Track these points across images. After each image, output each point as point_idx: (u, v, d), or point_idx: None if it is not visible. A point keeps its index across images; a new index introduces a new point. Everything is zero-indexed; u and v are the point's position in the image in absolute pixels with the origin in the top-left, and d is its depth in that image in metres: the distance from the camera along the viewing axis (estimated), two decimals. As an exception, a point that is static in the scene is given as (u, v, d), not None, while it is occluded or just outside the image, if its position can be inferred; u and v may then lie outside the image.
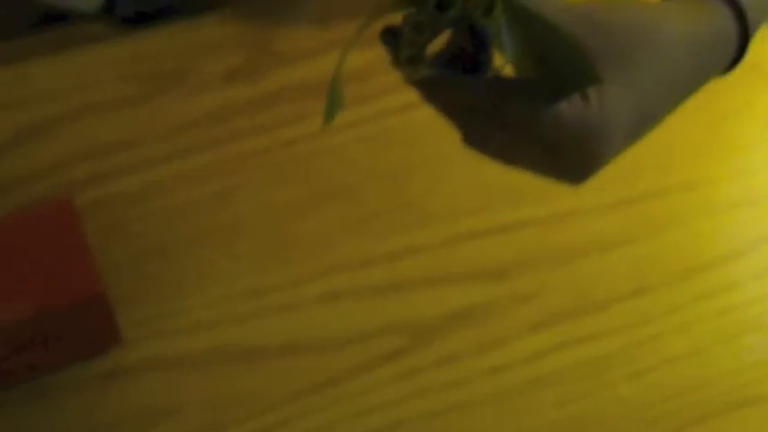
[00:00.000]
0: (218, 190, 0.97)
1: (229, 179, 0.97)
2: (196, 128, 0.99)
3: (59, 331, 0.85)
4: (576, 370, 0.92)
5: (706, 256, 0.97)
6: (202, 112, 0.99)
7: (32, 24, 1.30)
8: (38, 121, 0.98)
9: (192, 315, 0.91)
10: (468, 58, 0.59)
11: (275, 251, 0.95)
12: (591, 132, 0.61)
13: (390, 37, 0.60)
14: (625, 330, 0.94)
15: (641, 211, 0.98)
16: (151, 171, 0.97)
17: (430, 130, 1.00)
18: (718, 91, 1.02)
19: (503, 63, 0.59)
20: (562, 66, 0.60)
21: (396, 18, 0.60)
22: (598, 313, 0.94)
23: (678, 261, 0.97)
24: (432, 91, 0.62)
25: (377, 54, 1.00)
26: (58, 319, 0.83)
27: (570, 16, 0.61)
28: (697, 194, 1.00)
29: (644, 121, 0.64)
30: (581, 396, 0.91)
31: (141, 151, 0.97)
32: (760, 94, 1.04)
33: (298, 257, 0.95)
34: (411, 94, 0.99)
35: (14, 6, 1.34)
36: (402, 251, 0.96)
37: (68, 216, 0.85)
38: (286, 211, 0.96)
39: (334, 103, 0.61)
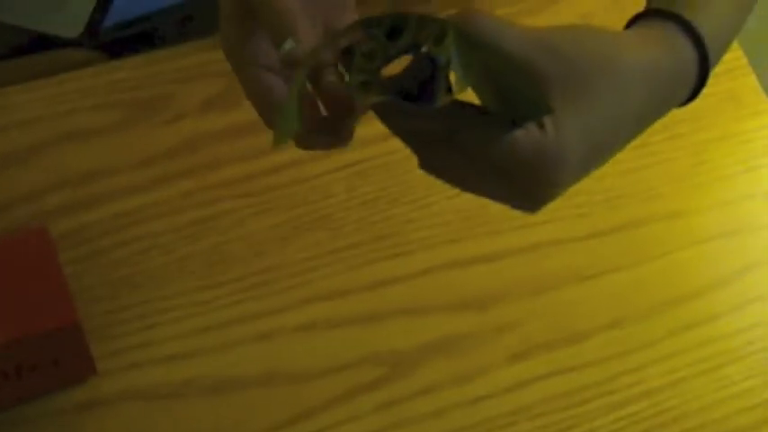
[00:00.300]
0: (196, 219, 0.96)
1: (207, 208, 0.96)
2: (174, 156, 0.98)
3: (33, 361, 0.84)
4: (556, 401, 0.91)
5: (688, 287, 0.97)
6: (181, 140, 0.99)
7: (12, 49, 1.29)
8: (14, 149, 0.97)
9: (168, 346, 0.91)
10: (423, 85, 0.58)
11: (253, 281, 0.94)
12: (546, 161, 0.60)
13: (347, 59, 0.60)
14: (605, 361, 0.93)
15: (622, 241, 0.98)
16: (128, 200, 0.96)
17: (409, 159, 1.00)
18: (700, 120, 1.03)
19: (456, 90, 0.58)
20: (515, 95, 0.59)
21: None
22: (578, 344, 0.94)
23: (659, 291, 0.97)
24: (386, 116, 0.61)
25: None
26: (31, 348, 0.82)
27: (531, 42, 0.61)
28: (678, 224, 0.99)
29: (601, 151, 0.63)
30: (560, 428, 0.90)
31: (118, 180, 0.97)
32: (741, 124, 1.04)
33: (276, 287, 0.94)
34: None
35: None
36: (381, 281, 0.95)
37: (44, 245, 0.84)
38: (264, 240, 0.96)
39: (287, 123, 0.61)
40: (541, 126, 0.60)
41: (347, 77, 0.60)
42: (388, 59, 0.59)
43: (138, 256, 0.94)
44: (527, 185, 0.61)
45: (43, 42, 1.25)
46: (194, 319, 0.92)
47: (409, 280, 0.95)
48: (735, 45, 1.05)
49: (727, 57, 1.05)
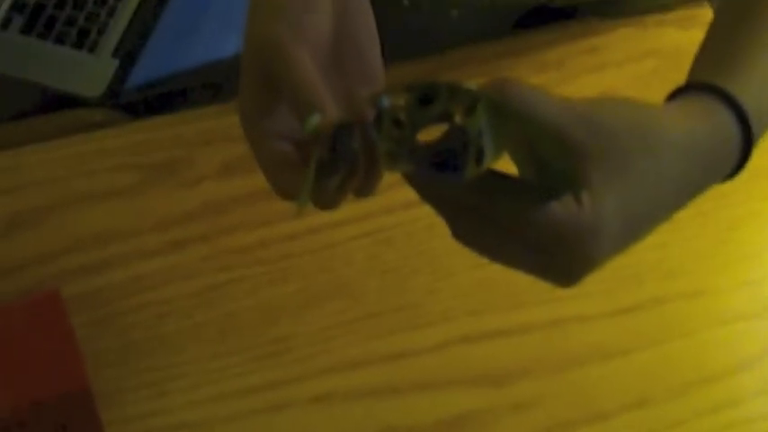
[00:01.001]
0: (211, 285, 0.95)
1: (223, 274, 0.95)
2: (190, 220, 0.97)
3: (42, 425, 0.82)
4: (575, 482, 0.89)
5: (710, 369, 0.95)
6: (198, 205, 0.98)
7: (33, 108, 1.29)
8: (29, 210, 0.97)
9: (180, 414, 0.89)
10: (454, 155, 0.57)
11: (267, 349, 0.93)
12: (582, 235, 0.59)
13: (377, 125, 0.58)
14: (626, 443, 0.91)
15: (644, 320, 0.96)
16: (142, 264, 0.95)
17: (431, 228, 0.98)
18: (727, 197, 1.01)
19: (486, 163, 0.57)
20: (553, 167, 0.58)
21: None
22: (598, 424, 0.92)
23: (681, 373, 0.94)
24: (418, 183, 0.60)
25: (378, 150, 1.00)
26: (40, 412, 0.81)
27: (568, 114, 0.59)
28: (701, 304, 0.97)
29: (638, 227, 0.62)
30: None
31: (133, 243, 0.96)
32: (766, 202, 1.02)
33: (291, 357, 0.92)
34: (412, 191, 0.98)
35: (14, 89, 1.33)
36: (399, 353, 0.93)
37: (56, 308, 0.83)
38: (281, 307, 0.94)
39: (308, 191, 0.60)
40: (578, 199, 0.58)
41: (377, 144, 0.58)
42: (418, 128, 0.57)
43: (152, 321, 0.93)
44: (562, 260, 0.60)
45: (64, 101, 1.24)
46: (207, 387, 0.90)
47: (428, 352, 0.93)
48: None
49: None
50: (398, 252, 0.97)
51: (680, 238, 0.99)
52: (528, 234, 0.59)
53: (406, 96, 0.57)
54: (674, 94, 0.67)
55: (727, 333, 0.96)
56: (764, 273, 0.99)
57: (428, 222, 0.98)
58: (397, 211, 0.99)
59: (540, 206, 0.58)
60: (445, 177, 0.56)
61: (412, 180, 0.60)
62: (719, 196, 1.01)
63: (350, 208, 0.96)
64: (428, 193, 0.60)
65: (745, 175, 1.01)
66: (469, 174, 0.56)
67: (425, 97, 0.57)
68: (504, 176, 0.59)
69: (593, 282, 0.96)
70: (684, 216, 0.99)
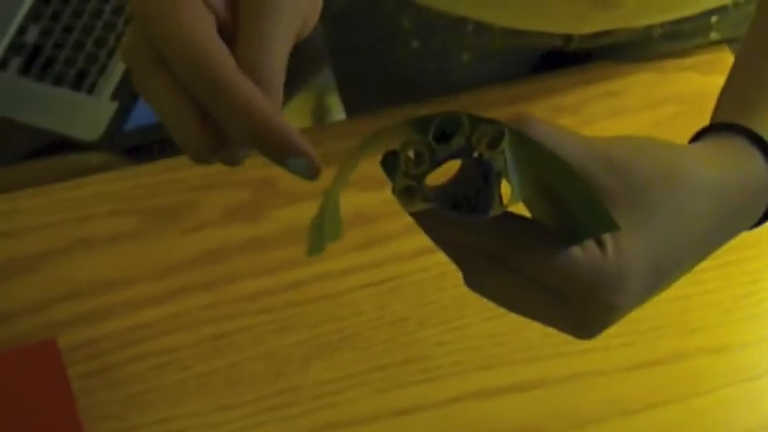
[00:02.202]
0: (214, 334, 0.92)
1: (226, 324, 0.93)
2: (192, 268, 0.95)
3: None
4: None
5: (733, 427, 0.92)
6: (200, 251, 0.95)
7: (32, 152, 1.27)
8: (25, 255, 0.94)
9: (179, 471, 0.86)
10: (475, 193, 0.53)
11: (272, 402, 0.90)
12: (606, 283, 0.55)
13: (391, 161, 0.54)
14: (647, 504, 0.88)
15: (665, 375, 0.93)
16: (142, 313, 0.92)
17: (442, 278, 0.95)
18: (747, 250, 0.98)
19: (510, 201, 0.53)
20: (575, 208, 0.55)
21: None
22: (618, 484, 0.88)
23: (704, 430, 0.91)
24: (431, 226, 0.57)
25: (387, 196, 0.97)
26: (33, 470, 0.78)
27: (588, 152, 0.56)
28: (724, 359, 0.94)
29: (664, 274, 0.58)
30: None
31: (132, 291, 0.93)
32: (791, 255, 0.99)
33: (297, 410, 0.90)
34: (422, 239, 0.96)
35: (12, 132, 1.31)
36: (408, 407, 0.91)
37: (51, 358, 0.82)
38: (287, 358, 0.91)
39: (322, 232, 0.56)
40: (601, 245, 0.55)
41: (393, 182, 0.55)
42: (437, 164, 0.54)
43: (152, 373, 0.90)
44: (583, 309, 0.56)
45: (62, 144, 1.22)
46: (209, 442, 0.88)
47: (438, 408, 0.91)
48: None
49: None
50: (407, 302, 0.95)
51: (701, 291, 0.97)
52: (547, 282, 0.56)
53: (424, 129, 0.53)
54: (698, 136, 0.64)
55: (751, 390, 0.93)
56: (789, 327, 0.96)
57: (438, 272, 0.96)
58: (406, 261, 0.96)
59: (561, 252, 0.55)
60: (466, 217, 0.53)
61: (424, 222, 0.56)
62: (742, 248, 0.99)
63: (358, 256, 0.95)
64: (441, 237, 0.57)
65: (766, 227, 1.00)
66: (494, 212, 0.52)
67: (445, 131, 0.53)
68: (521, 219, 0.56)
69: (612, 335, 0.94)
70: (706, 268, 0.97)
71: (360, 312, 0.94)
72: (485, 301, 0.95)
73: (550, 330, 0.94)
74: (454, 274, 0.96)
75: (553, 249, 0.55)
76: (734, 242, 0.98)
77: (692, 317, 0.96)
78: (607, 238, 0.56)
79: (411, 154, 0.54)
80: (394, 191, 0.55)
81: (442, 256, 0.96)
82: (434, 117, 0.53)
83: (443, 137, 0.53)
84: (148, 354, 0.91)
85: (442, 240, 0.57)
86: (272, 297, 0.94)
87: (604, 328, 0.59)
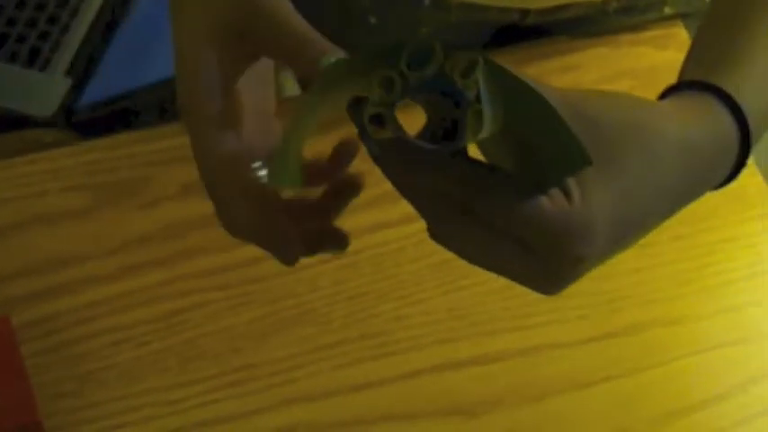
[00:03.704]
0: (170, 311, 0.91)
1: (183, 300, 0.92)
2: (148, 244, 0.94)
3: (-12, 461, 0.79)
4: None
5: (689, 399, 0.92)
6: (155, 227, 0.95)
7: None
8: (-24, 233, 0.93)
9: (137, 448, 0.85)
10: (446, 125, 0.52)
11: (229, 379, 0.89)
12: (572, 233, 0.55)
13: (358, 106, 0.54)
14: (602, 476, 0.88)
15: (621, 348, 0.94)
16: (98, 289, 0.91)
17: (400, 253, 0.95)
18: (704, 221, 0.99)
19: (483, 132, 0.52)
20: (546, 146, 0.54)
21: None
22: (574, 456, 0.89)
23: (659, 403, 0.92)
24: (397, 170, 0.56)
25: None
26: (-13, 448, 0.77)
27: (561, 100, 0.56)
28: (680, 331, 0.95)
29: (630, 227, 0.58)
30: None
31: (88, 267, 0.92)
32: (747, 226, 1.00)
33: (254, 386, 0.89)
34: (381, 214, 0.96)
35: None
36: (367, 382, 0.91)
37: (4, 336, 0.80)
38: (243, 335, 0.91)
39: (285, 166, 0.55)
40: (568, 195, 0.55)
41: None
42: (409, 93, 0.52)
43: (108, 350, 0.89)
44: (549, 260, 0.56)
45: (15, 121, 1.21)
46: (166, 419, 0.87)
47: (397, 382, 0.91)
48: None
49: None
50: (365, 277, 0.94)
51: (656, 264, 0.97)
52: (513, 231, 0.55)
53: (397, 56, 0.52)
54: (666, 93, 0.64)
55: (706, 361, 0.94)
56: (744, 299, 0.97)
57: (396, 247, 0.96)
58: (364, 236, 0.96)
59: (529, 201, 0.54)
60: (438, 146, 0.52)
61: (390, 165, 0.55)
62: (696, 221, 0.99)
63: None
64: (406, 183, 0.56)
65: (721, 199, 1.00)
66: (466, 141, 0.52)
67: (418, 59, 0.52)
68: (489, 166, 0.56)
69: (569, 308, 0.94)
70: (661, 241, 0.98)
71: (317, 288, 0.93)
72: (443, 275, 0.95)
73: (509, 304, 0.94)
74: (413, 248, 0.96)
75: (520, 197, 0.54)
76: (688, 215, 0.98)
77: (647, 289, 0.96)
78: (574, 188, 0.55)
79: (383, 80, 0.52)
80: (360, 135, 0.54)
81: (400, 231, 0.96)
82: (406, 45, 0.52)
83: (417, 65, 0.52)
84: (104, 330, 0.90)
85: (408, 186, 0.56)
86: (229, 273, 0.93)
87: (570, 282, 0.58)
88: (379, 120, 0.52)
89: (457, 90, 0.51)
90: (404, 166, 0.55)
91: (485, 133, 0.52)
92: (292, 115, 0.54)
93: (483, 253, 0.57)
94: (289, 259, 0.63)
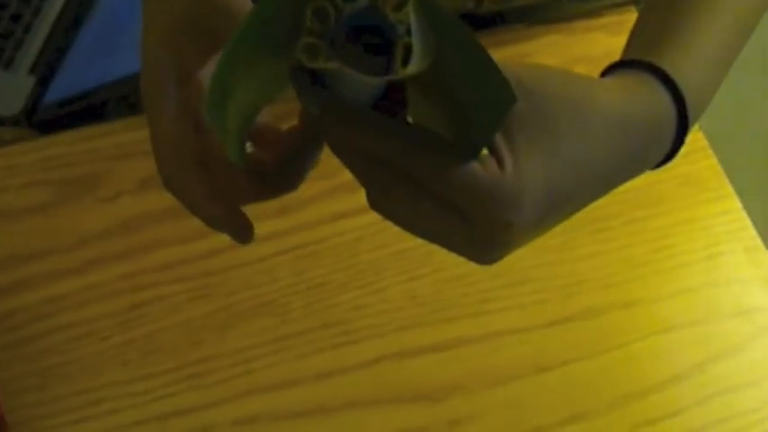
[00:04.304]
0: (130, 304, 0.91)
1: (142, 293, 0.92)
2: (108, 238, 0.94)
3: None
4: (512, 500, 0.86)
5: (646, 380, 0.93)
6: (115, 222, 0.94)
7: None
8: (-65, 229, 0.93)
9: (98, 441, 0.85)
10: (377, 59, 0.53)
11: (190, 371, 0.89)
12: (502, 199, 0.55)
13: (301, 76, 0.55)
14: (563, 458, 0.89)
15: (579, 331, 0.94)
16: (57, 284, 0.91)
17: (359, 242, 0.96)
18: (660, 205, 0.99)
19: (412, 67, 0.52)
20: (475, 85, 0.54)
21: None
22: (535, 439, 0.89)
23: (620, 384, 0.93)
24: (336, 133, 0.56)
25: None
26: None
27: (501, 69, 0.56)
28: (638, 313, 0.96)
29: (563, 199, 0.58)
30: None
31: (48, 262, 0.92)
32: (702, 209, 1.00)
33: (214, 378, 0.89)
34: (338, 204, 0.96)
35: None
36: (328, 371, 0.91)
37: None
38: (203, 327, 0.91)
39: (223, 129, 0.56)
40: (500, 163, 0.56)
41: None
42: (341, 24, 0.53)
43: (69, 344, 0.89)
44: (480, 226, 0.56)
45: (-24, 119, 1.20)
46: (128, 411, 0.87)
47: (358, 370, 0.91)
48: (695, 127, 1.03)
49: (688, 138, 1.02)
50: (324, 267, 0.95)
51: (612, 248, 0.98)
52: (446, 195, 0.55)
53: None
54: (607, 71, 0.64)
55: (663, 343, 0.94)
56: (699, 281, 0.97)
57: (354, 236, 0.96)
58: (322, 225, 0.96)
59: (462, 166, 0.55)
60: (369, 78, 0.53)
61: (329, 126, 0.56)
62: (651, 204, 1.00)
63: (274, 223, 0.95)
64: (344, 148, 0.57)
65: (675, 182, 1.01)
66: (396, 74, 0.52)
67: None
68: (424, 130, 0.56)
69: (526, 293, 0.95)
70: (616, 225, 0.99)
71: (276, 279, 0.93)
72: (402, 263, 0.95)
73: (467, 290, 0.95)
74: (371, 238, 0.96)
75: (454, 162, 0.55)
76: (644, 198, 1.00)
77: (603, 273, 0.97)
78: (507, 156, 0.56)
79: (316, 8, 0.53)
80: (299, 96, 0.55)
81: (358, 221, 0.96)
82: None
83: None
84: (65, 325, 0.90)
85: (346, 151, 0.57)
86: (188, 266, 0.93)
87: (502, 251, 0.58)
88: (313, 49, 0.53)
89: (388, 23, 0.52)
90: (342, 125, 0.55)
91: (414, 67, 0.52)
92: (220, 54, 0.55)
93: (418, 220, 0.57)
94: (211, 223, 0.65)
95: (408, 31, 0.52)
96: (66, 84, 1.31)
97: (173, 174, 0.64)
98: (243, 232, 0.65)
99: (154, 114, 0.64)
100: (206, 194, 0.63)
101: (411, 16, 0.52)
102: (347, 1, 0.52)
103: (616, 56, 0.68)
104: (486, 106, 0.55)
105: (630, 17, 1.06)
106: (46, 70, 1.35)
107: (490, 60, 0.53)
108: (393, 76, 0.52)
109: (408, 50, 0.52)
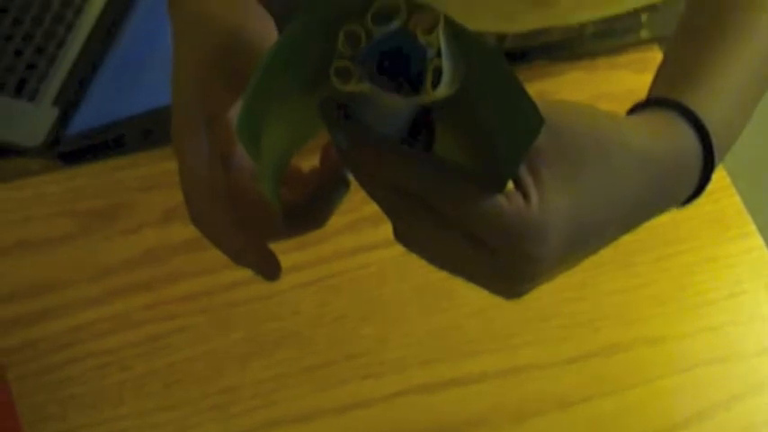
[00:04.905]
0: (154, 334, 0.91)
1: (165, 324, 0.92)
2: (131, 268, 0.94)
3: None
4: None
5: (670, 418, 0.93)
6: (138, 252, 0.95)
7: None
8: (-38, 259, 0.93)
9: (120, 471, 0.85)
10: (408, 81, 0.54)
11: (213, 401, 0.89)
12: (528, 233, 0.55)
13: (330, 110, 0.56)
14: (587, 495, 0.88)
15: (603, 367, 0.94)
16: (81, 314, 0.91)
17: (382, 275, 0.96)
18: (684, 242, 0.99)
19: (442, 89, 0.53)
20: (504, 110, 0.55)
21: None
22: (557, 476, 0.89)
23: (641, 422, 0.92)
24: (363, 167, 0.57)
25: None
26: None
27: None
28: (662, 350, 0.95)
29: (587, 234, 0.58)
30: None
31: (71, 292, 0.92)
32: (726, 247, 1.00)
33: (237, 409, 0.89)
34: (361, 237, 0.96)
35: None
36: (349, 404, 0.90)
37: None
38: (226, 357, 0.91)
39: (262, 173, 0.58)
40: (526, 196, 0.56)
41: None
42: (374, 47, 0.53)
43: (92, 374, 0.89)
44: (505, 259, 0.56)
45: (4, 151, 1.21)
46: (149, 443, 0.87)
47: (380, 403, 0.91)
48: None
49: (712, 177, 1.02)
50: (347, 299, 0.95)
51: (638, 284, 0.97)
52: (472, 228, 0.56)
53: (362, 13, 0.53)
54: (633, 109, 0.65)
55: (687, 380, 0.94)
56: (723, 319, 0.97)
57: (377, 269, 0.96)
58: (346, 258, 0.96)
59: (487, 199, 0.55)
60: (400, 97, 0.53)
61: (357, 160, 0.57)
62: (676, 242, 1.00)
63: (297, 254, 0.95)
64: (371, 181, 0.57)
65: (699, 220, 1.01)
66: (427, 96, 0.52)
67: (384, 14, 0.53)
68: (450, 163, 0.57)
69: (551, 328, 0.95)
70: (642, 261, 0.99)
71: (300, 311, 0.94)
72: (425, 296, 0.95)
73: (490, 325, 0.94)
74: (394, 271, 0.96)
75: (479, 195, 0.55)
76: (668, 236, 1.00)
77: (628, 309, 0.96)
78: (532, 190, 0.56)
79: (349, 32, 0.53)
80: (329, 130, 0.56)
81: (381, 254, 0.96)
82: (372, 0, 0.53)
83: (382, 20, 0.53)
84: (88, 355, 0.90)
85: (373, 184, 0.57)
86: (211, 297, 0.93)
87: (527, 285, 0.58)
88: (345, 73, 0.53)
89: (419, 46, 0.52)
90: (370, 158, 0.56)
91: (444, 90, 0.52)
92: (253, 74, 0.55)
93: (443, 252, 0.58)
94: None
95: (438, 54, 0.53)
96: (90, 116, 1.32)
97: (202, 212, 0.65)
98: (271, 269, 0.66)
99: (184, 153, 0.64)
100: (235, 232, 0.64)
101: (441, 39, 0.52)
102: (378, 24, 0.53)
103: (639, 93, 0.68)
104: (514, 132, 0.55)
105: (653, 55, 1.06)
106: (69, 102, 1.36)
107: (519, 83, 0.54)
108: (423, 98, 0.52)
109: (438, 73, 0.52)
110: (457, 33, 0.53)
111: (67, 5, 1.41)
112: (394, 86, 0.53)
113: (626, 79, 1.06)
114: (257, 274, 0.66)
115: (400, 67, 0.53)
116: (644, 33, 1.05)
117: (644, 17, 1.03)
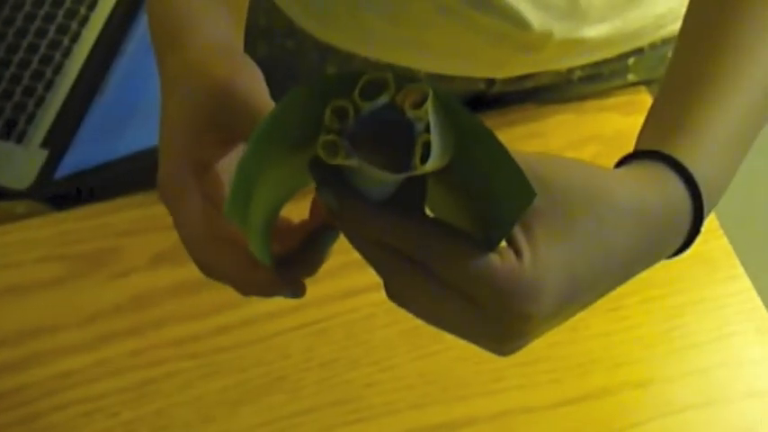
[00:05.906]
0: (141, 380, 0.91)
1: (153, 370, 0.92)
2: (118, 313, 0.94)
3: None
4: None
5: (660, 460, 0.92)
6: (127, 297, 0.95)
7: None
8: (-54, 304, 0.93)
9: None
10: (396, 155, 0.54)
11: (201, 448, 0.88)
12: (521, 291, 0.55)
13: (319, 170, 0.56)
14: None
15: (592, 410, 0.93)
16: (68, 359, 0.91)
17: (371, 319, 0.95)
18: (672, 284, 0.99)
19: (431, 163, 0.53)
20: (493, 181, 0.55)
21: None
22: None
23: (632, 464, 0.92)
24: (354, 227, 0.57)
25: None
26: None
27: (518, 159, 0.57)
28: (649, 393, 0.95)
29: (580, 289, 0.58)
30: None
31: (58, 338, 0.92)
32: (714, 289, 1.00)
33: (225, 455, 0.88)
34: (351, 280, 0.96)
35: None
36: (339, 450, 0.90)
37: None
38: (215, 403, 0.90)
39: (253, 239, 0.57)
40: (518, 253, 0.56)
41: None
42: (361, 122, 0.53)
43: (79, 420, 0.89)
44: (499, 318, 0.56)
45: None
46: (136, 490, 0.86)
47: (369, 449, 0.90)
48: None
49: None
50: (336, 344, 0.94)
51: (625, 327, 0.97)
52: (464, 287, 0.56)
53: (350, 86, 0.54)
54: (622, 162, 0.65)
55: (675, 423, 0.94)
56: (711, 361, 0.97)
57: (366, 313, 0.96)
58: (334, 302, 0.96)
59: (479, 257, 0.55)
60: (387, 174, 0.53)
61: (347, 221, 0.57)
62: (663, 284, 1.00)
63: (284, 299, 0.94)
64: (362, 240, 0.57)
65: (688, 262, 1.00)
66: (415, 170, 0.52)
67: (371, 90, 0.53)
68: (441, 223, 0.57)
69: (539, 372, 0.95)
70: (629, 304, 0.99)
71: (288, 355, 0.93)
72: (414, 340, 0.95)
73: (480, 368, 0.94)
74: (383, 314, 0.96)
75: (471, 253, 0.55)
76: (656, 278, 1.00)
77: (616, 352, 0.96)
78: (525, 247, 0.56)
79: (336, 108, 0.53)
80: (318, 192, 0.56)
81: (370, 298, 0.96)
82: (361, 75, 0.53)
83: (369, 97, 0.53)
84: (75, 401, 0.89)
85: (365, 243, 0.57)
86: (199, 342, 0.93)
87: (520, 342, 0.58)
88: (333, 147, 0.53)
89: (407, 121, 0.53)
90: (360, 220, 0.56)
91: (433, 164, 0.53)
92: (242, 152, 0.56)
93: (436, 310, 0.58)
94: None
95: (427, 128, 0.53)
96: (78, 158, 1.32)
97: (209, 260, 0.64)
98: (294, 286, 0.65)
99: (176, 205, 0.64)
100: (248, 268, 0.63)
101: (430, 114, 0.53)
102: (366, 99, 0.53)
103: (627, 135, 0.68)
104: (505, 202, 0.55)
105: (641, 97, 1.06)
106: (58, 144, 1.36)
107: (510, 158, 0.54)
108: (412, 173, 0.53)
109: (427, 147, 0.53)
110: (446, 106, 0.53)
111: (56, 47, 1.41)
112: (382, 159, 0.53)
113: (614, 121, 1.06)
114: (287, 297, 0.65)
115: (388, 141, 0.53)
116: (631, 77, 1.05)
117: (631, 61, 1.03)
